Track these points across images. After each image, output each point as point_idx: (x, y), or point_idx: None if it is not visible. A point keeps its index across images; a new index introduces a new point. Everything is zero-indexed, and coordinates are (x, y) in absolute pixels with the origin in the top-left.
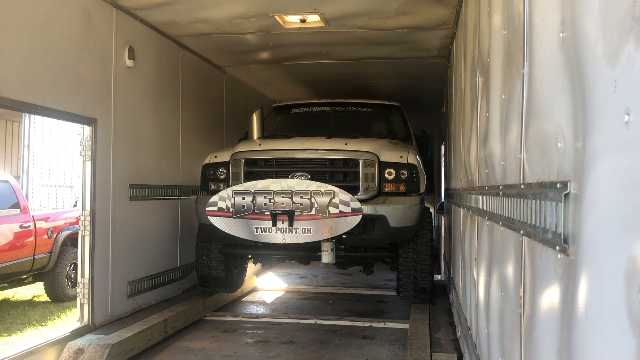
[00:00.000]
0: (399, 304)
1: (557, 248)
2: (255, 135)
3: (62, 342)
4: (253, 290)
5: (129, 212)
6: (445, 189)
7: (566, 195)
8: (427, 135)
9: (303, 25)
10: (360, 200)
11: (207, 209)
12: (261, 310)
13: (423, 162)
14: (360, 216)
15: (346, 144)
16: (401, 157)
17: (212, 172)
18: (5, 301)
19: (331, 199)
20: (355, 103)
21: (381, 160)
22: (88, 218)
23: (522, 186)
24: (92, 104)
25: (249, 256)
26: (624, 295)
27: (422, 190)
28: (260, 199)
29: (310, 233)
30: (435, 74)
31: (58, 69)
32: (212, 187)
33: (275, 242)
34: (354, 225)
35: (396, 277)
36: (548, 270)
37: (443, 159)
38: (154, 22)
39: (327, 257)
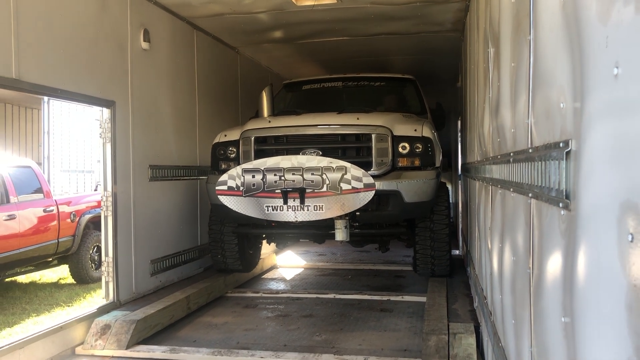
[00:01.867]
0: (417, 279)
1: (560, 205)
2: (266, 113)
3: (89, 318)
4: (273, 267)
5: (149, 193)
6: (462, 164)
7: (567, 153)
8: (442, 109)
9: (316, 2)
10: (374, 176)
11: (216, 188)
12: (281, 286)
13: (439, 136)
14: (374, 192)
15: (358, 119)
16: (415, 130)
17: (222, 151)
18: (33, 283)
19: (343, 175)
20: (367, 77)
21: (394, 134)
22: (110, 199)
23: (530, 150)
24: (110, 87)
25: (263, 236)
26: (616, 239)
27: (437, 164)
28: (270, 177)
29: (322, 210)
30: (450, 48)
31: (75, 52)
32: (223, 166)
33: (286, 220)
34: (367, 201)
35: (413, 253)
36: (553, 227)
37: (460, 134)
38: (167, 3)
39: (340, 234)
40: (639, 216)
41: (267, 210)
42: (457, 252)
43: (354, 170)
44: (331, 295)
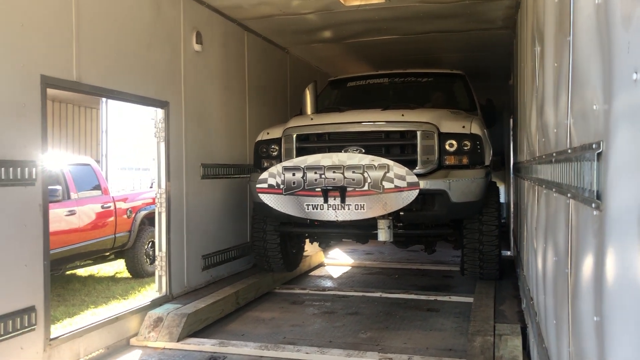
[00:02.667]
0: (466, 279)
1: (593, 205)
2: (309, 110)
3: (143, 310)
4: (320, 265)
5: (201, 190)
6: (513, 164)
7: (599, 154)
8: (493, 105)
9: (363, 2)
10: (419, 175)
11: (257, 186)
12: (328, 283)
13: (489, 134)
14: (417, 191)
15: (403, 115)
16: (463, 127)
17: (264, 149)
18: (91, 277)
19: (385, 173)
20: (414, 73)
21: (441, 131)
22: (164, 196)
23: (569, 151)
24: (164, 88)
25: (306, 235)
26: (638, 240)
27: (487, 162)
28: (310, 175)
29: (363, 210)
30: (501, 45)
31: (132, 55)
32: (265, 164)
33: (327, 219)
34: (411, 201)
35: (460, 255)
36: (587, 228)
37: (512, 132)
38: (219, 6)
39: (383, 234)
40: None
41: (308, 209)
42: (508, 253)
43: (397, 169)
44: (377, 294)
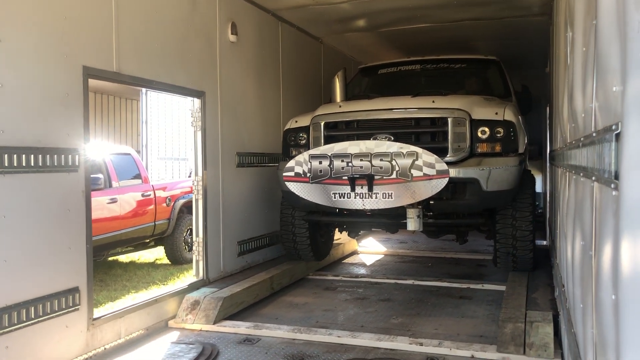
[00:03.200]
0: (499, 268)
1: (612, 186)
2: (338, 98)
3: (180, 293)
4: (353, 253)
5: (236, 178)
6: (549, 152)
7: (617, 135)
8: (529, 91)
9: None
10: (450, 163)
11: (284, 174)
12: (361, 271)
13: (524, 121)
14: (447, 179)
15: (433, 102)
16: (496, 113)
17: (292, 138)
18: (132, 263)
19: (414, 161)
20: (447, 59)
21: (473, 117)
22: (200, 184)
23: (594, 134)
24: (200, 78)
25: (335, 224)
26: None
27: (521, 150)
28: (337, 163)
29: (391, 198)
30: (538, 32)
31: (169, 47)
32: (294, 153)
33: (354, 208)
34: (440, 189)
35: (493, 246)
36: (607, 209)
37: (548, 121)
38: None
39: (413, 224)
40: None
41: (335, 198)
42: (544, 242)
43: (426, 156)
44: (410, 281)
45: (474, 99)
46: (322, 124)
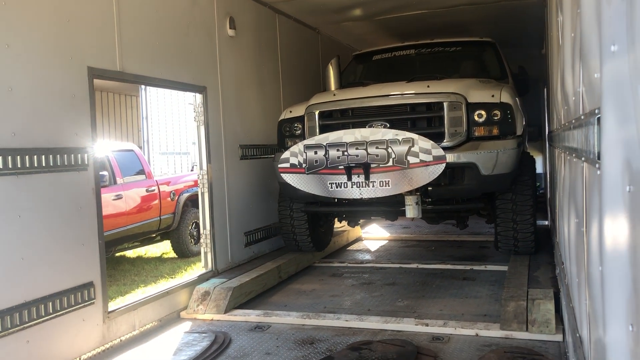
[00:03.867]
0: None
1: (597, 166)
2: (333, 86)
3: (191, 285)
4: (358, 239)
5: (240, 170)
6: (547, 134)
7: (599, 119)
8: (526, 72)
9: None
10: (447, 148)
11: (279, 165)
12: (366, 257)
13: (522, 102)
14: (444, 164)
15: (428, 87)
16: (493, 96)
17: (287, 128)
18: (140, 258)
19: (410, 148)
20: (442, 43)
21: (469, 101)
22: (205, 176)
23: (582, 117)
24: (201, 74)
25: (334, 214)
26: (621, 194)
27: (519, 132)
28: (333, 152)
29: (388, 186)
30: (534, 15)
31: (170, 44)
32: (289, 143)
33: (351, 197)
34: (438, 175)
35: (494, 230)
36: (594, 187)
37: (546, 103)
38: None
39: (411, 211)
40: (633, 171)
41: (331, 188)
42: (545, 222)
43: (422, 142)
44: (414, 265)
45: (469, 82)
46: (317, 113)
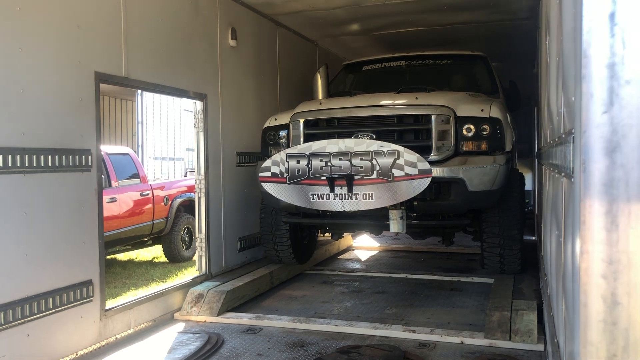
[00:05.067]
0: None
1: (572, 180)
2: (320, 95)
3: (185, 287)
4: (348, 248)
5: (236, 177)
6: (536, 151)
7: (573, 138)
8: (517, 88)
9: None
10: (434, 162)
11: (259, 174)
12: (356, 265)
13: (512, 118)
14: (430, 179)
15: (417, 98)
16: (482, 110)
17: (271, 136)
18: (131, 261)
19: (395, 160)
20: (432, 55)
21: (458, 115)
22: (203, 182)
23: (563, 135)
24: (203, 82)
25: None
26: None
27: (508, 148)
28: (315, 162)
29: (372, 199)
30: (526, 34)
31: (174, 52)
32: (273, 152)
33: (333, 209)
34: (423, 189)
35: (480, 247)
36: (571, 200)
37: (536, 120)
38: (252, 3)
39: (396, 226)
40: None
41: (313, 199)
42: (533, 238)
43: (408, 155)
44: (403, 275)
45: (459, 96)
46: (302, 121)
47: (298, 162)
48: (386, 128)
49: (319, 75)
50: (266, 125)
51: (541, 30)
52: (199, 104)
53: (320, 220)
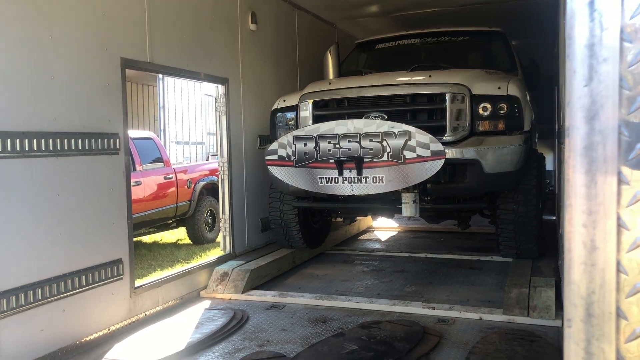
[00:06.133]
0: None
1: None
2: (331, 75)
3: (210, 266)
4: (368, 229)
5: (258, 159)
6: (557, 130)
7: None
8: (537, 65)
9: None
10: (448, 143)
11: (266, 157)
12: (376, 245)
13: (531, 96)
14: (443, 160)
15: (430, 76)
16: (499, 88)
17: (280, 118)
18: (156, 243)
19: (406, 142)
20: (448, 32)
21: (473, 93)
22: (226, 164)
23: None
24: (224, 66)
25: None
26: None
27: (526, 128)
28: (324, 145)
29: (382, 182)
30: (547, 13)
31: (196, 36)
32: (282, 134)
33: (342, 193)
34: (436, 171)
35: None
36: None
37: (556, 100)
38: None
39: (408, 209)
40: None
41: (321, 183)
42: (553, 217)
43: (420, 136)
44: (423, 255)
45: (474, 73)
46: (311, 102)
47: (305, 144)
48: (398, 108)
49: (329, 55)
50: (275, 106)
51: (560, 9)
52: (221, 88)
53: (331, 204)
